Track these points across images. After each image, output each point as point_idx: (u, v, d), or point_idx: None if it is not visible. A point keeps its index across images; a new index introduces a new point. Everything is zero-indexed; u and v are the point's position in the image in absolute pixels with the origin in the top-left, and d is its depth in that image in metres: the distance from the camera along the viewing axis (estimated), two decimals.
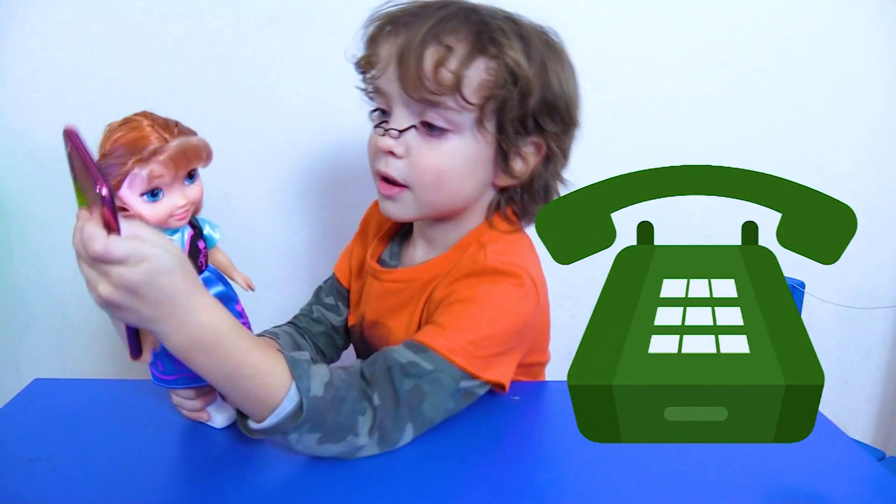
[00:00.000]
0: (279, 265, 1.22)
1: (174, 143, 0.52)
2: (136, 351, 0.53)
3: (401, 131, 0.69)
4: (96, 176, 0.45)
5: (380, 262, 0.83)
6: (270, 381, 0.55)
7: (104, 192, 0.44)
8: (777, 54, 1.18)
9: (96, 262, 0.46)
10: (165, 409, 0.67)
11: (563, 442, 0.65)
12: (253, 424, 0.57)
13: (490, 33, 0.67)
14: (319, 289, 0.91)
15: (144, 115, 0.54)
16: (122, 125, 0.53)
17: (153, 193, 0.55)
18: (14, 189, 1.17)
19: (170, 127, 0.54)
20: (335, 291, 0.89)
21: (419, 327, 0.72)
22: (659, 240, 1.34)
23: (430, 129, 0.68)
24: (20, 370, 1.25)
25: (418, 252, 0.80)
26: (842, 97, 1.21)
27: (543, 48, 0.70)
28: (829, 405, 0.83)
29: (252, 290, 0.63)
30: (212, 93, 1.12)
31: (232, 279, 0.61)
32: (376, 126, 0.72)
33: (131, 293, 0.46)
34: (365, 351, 0.85)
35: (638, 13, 1.14)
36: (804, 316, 1.28)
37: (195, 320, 0.50)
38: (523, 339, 0.71)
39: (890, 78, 1.20)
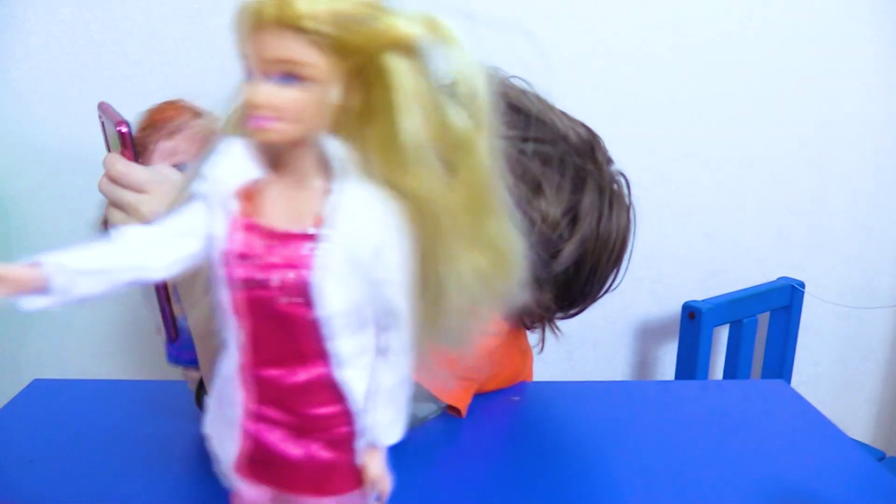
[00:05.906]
0: None
1: (196, 123, 0.55)
2: (173, 333, 0.53)
3: None
4: (115, 117, 0.46)
5: None
6: None
7: (124, 129, 0.46)
8: (777, 54, 1.18)
9: (119, 186, 0.46)
10: (165, 410, 0.67)
11: (562, 441, 0.65)
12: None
13: None
14: None
15: (179, 99, 0.57)
16: (156, 107, 0.56)
17: (178, 168, 0.56)
18: (14, 189, 1.17)
19: (198, 113, 0.57)
20: None
21: None
22: (659, 239, 1.34)
23: None
24: (20, 370, 1.25)
25: None
26: (842, 97, 1.21)
27: None
28: (829, 405, 0.83)
29: None
30: (211, 92, 1.11)
31: None
32: None
33: None
34: None
35: (638, 13, 1.14)
36: (804, 316, 1.28)
37: None
38: (483, 366, 0.69)
39: (890, 77, 1.20)
